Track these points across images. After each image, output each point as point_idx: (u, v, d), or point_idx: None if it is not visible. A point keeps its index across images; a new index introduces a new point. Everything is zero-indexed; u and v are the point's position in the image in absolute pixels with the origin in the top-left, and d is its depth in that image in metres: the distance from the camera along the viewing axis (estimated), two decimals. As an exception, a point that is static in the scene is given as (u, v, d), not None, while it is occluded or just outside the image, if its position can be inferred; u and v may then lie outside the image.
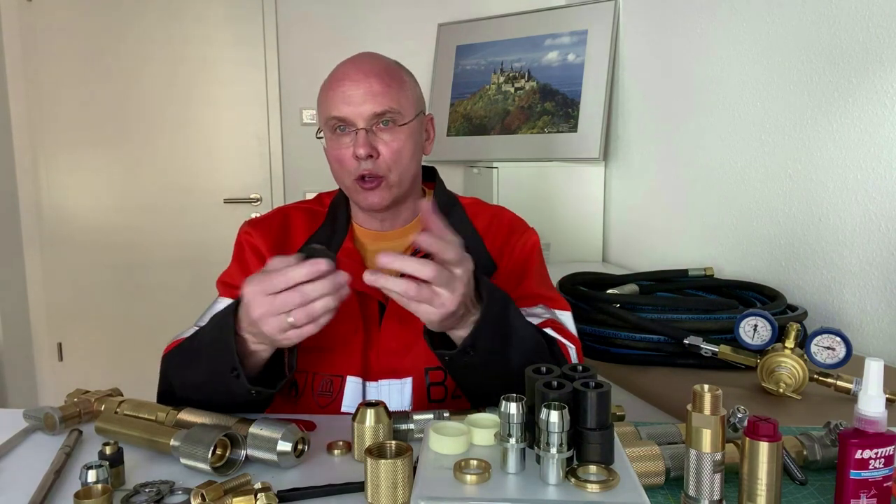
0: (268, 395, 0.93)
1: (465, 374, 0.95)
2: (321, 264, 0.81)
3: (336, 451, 0.88)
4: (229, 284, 1.15)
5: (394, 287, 0.81)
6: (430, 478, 0.65)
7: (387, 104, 1.05)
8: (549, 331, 1.07)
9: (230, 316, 0.89)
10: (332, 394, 1.08)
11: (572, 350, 1.06)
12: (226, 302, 1.12)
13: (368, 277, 0.81)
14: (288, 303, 0.81)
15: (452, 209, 1.19)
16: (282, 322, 0.82)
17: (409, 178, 1.11)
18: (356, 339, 1.08)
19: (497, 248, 1.16)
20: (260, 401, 0.94)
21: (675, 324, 1.53)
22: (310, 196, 1.27)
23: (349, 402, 1.07)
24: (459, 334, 0.89)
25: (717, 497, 0.68)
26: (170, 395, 1.01)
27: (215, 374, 0.91)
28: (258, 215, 1.26)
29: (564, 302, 1.17)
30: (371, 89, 1.05)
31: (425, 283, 0.81)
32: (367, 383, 1.08)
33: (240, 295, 0.86)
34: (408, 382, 1.08)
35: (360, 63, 1.08)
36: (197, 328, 1.08)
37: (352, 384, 1.08)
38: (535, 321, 1.08)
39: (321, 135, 1.11)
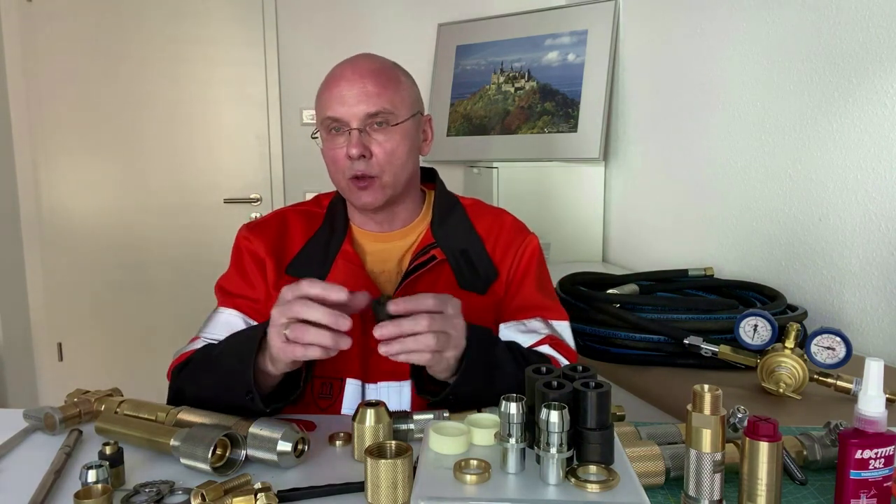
0: (281, 408, 0.96)
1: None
2: (340, 292, 0.83)
3: (338, 443, 0.90)
4: (228, 291, 1.15)
5: (415, 346, 0.86)
6: (430, 478, 0.65)
7: (381, 104, 1.05)
8: (545, 348, 1.09)
9: (254, 340, 0.92)
10: (332, 396, 1.08)
11: None
12: (227, 312, 1.13)
13: (384, 348, 0.87)
14: (289, 311, 0.84)
15: (453, 211, 1.18)
16: (280, 331, 0.85)
17: (403, 178, 1.10)
18: (355, 341, 1.08)
19: (498, 254, 1.16)
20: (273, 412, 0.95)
21: (675, 324, 1.53)
22: (310, 196, 1.27)
23: (349, 403, 1.07)
24: (444, 375, 0.93)
25: (717, 497, 0.68)
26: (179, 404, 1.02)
27: (230, 393, 0.92)
28: (258, 215, 1.26)
29: (562, 310, 1.18)
30: (365, 90, 1.05)
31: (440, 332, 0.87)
32: (367, 385, 1.08)
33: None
34: (406, 385, 1.08)
35: (356, 64, 1.08)
36: (204, 341, 1.09)
37: (351, 386, 1.08)
38: (534, 338, 1.10)
39: (317, 135, 1.12)
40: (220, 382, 0.95)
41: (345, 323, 0.83)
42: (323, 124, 1.09)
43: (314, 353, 0.84)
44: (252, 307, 1.12)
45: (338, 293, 0.84)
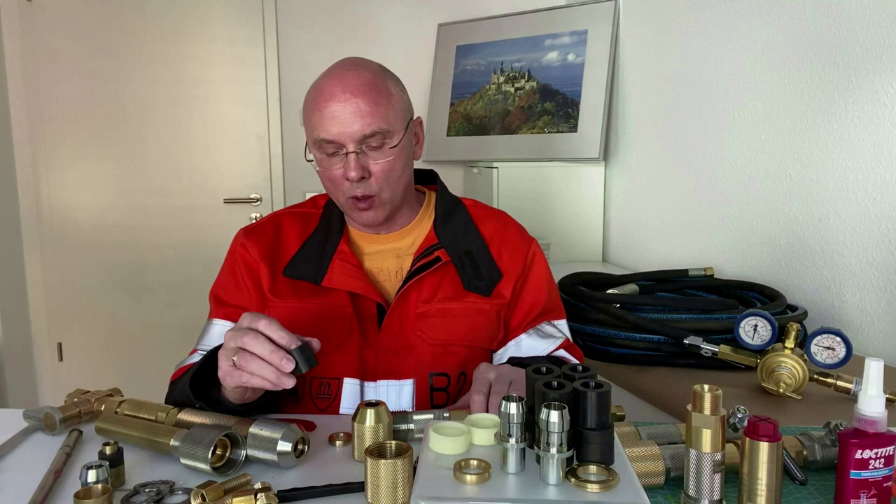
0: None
1: None
2: (272, 328, 0.84)
3: (338, 443, 0.90)
4: (220, 300, 1.15)
5: None
6: (430, 478, 0.65)
7: (376, 125, 1.03)
8: (562, 353, 1.13)
9: (203, 365, 0.96)
10: (331, 396, 1.08)
11: None
12: (219, 324, 1.14)
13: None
14: (239, 339, 0.84)
15: (456, 212, 1.19)
16: (229, 356, 0.86)
17: (400, 192, 1.11)
18: (352, 340, 1.08)
19: (505, 258, 1.17)
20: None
21: (675, 324, 1.53)
22: (309, 196, 1.27)
23: (347, 403, 1.07)
24: None
25: (717, 497, 0.68)
26: None
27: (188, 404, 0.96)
28: (259, 215, 1.27)
29: (563, 309, 1.22)
30: (359, 109, 1.02)
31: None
32: (365, 384, 1.08)
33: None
34: (407, 384, 1.08)
35: (345, 79, 1.04)
36: (200, 354, 1.11)
37: (349, 386, 1.08)
38: (553, 343, 1.14)
39: (311, 157, 1.10)
40: (182, 395, 0.97)
41: (288, 365, 0.83)
42: (316, 144, 1.07)
43: (257, 383, 0.84)
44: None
45: (281, 338, 0.84)
